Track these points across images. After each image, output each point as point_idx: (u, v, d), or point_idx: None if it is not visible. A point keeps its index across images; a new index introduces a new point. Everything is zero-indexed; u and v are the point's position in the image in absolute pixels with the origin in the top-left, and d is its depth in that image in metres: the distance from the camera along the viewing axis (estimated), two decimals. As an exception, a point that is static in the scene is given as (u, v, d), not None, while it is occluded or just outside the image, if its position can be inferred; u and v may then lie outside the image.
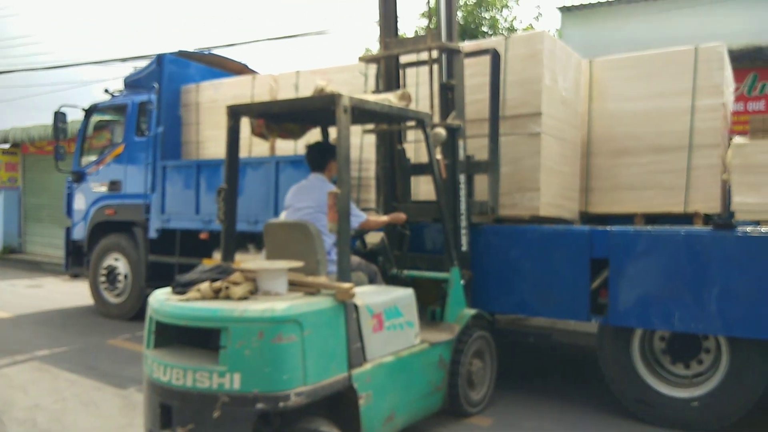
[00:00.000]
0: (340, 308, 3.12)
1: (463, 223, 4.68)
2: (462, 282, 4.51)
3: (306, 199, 3.95)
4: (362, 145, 6.06)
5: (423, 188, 5.43)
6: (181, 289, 3.17)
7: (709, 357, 4.43)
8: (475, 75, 5.08)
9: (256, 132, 4.01)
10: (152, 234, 7.23)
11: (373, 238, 4.58)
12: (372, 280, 4.04)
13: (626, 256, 4.41)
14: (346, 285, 3.12)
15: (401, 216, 4.51)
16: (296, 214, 3.94)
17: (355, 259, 4.07)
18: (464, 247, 4.69)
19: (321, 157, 4.09)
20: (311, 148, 4.17)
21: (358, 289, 3.31)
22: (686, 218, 5.21)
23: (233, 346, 2.74)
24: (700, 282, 4.14)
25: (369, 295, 3.50)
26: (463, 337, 4.25)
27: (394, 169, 5.04)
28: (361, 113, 3.41)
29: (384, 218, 4.38)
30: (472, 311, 4.43)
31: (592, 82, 5.75)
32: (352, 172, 6.18)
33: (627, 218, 5.48)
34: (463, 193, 4.67)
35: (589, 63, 5.75)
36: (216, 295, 3.03)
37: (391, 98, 3.76)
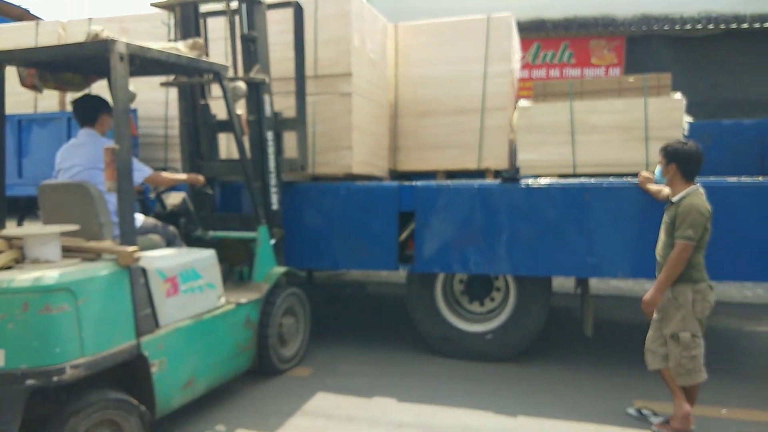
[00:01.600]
0: (123, 274, 2.93)
1: (273, 181, 4.64)
2: (273, 241, 4.49)
3: (76, 158, 3.58)
4: (168, 101, 5.70)
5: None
6: (-68, 260, 2.75)
7: (500, 295, 4.99)
8: (286, 32, 4.98)
9: (27, 83, 3.54)
10: None
11: (174, 199, 4.35)
12: (171, 243, 3.83)
13: (430, 208, 4.74)
14: (129, 249, 2.92)
15: (199, 178, 4.30)
16: (67, 175, 3.57)
17: (150, 221, 3.83)
18: (275, 206, 4.66)
19: (90, 111, 3.74)
20: (78, 101, 3.79)
21: (148, 253, 3.13)
22: (480, 174, 5.69)
23: (-5, 319, 2.45)
24: (491, 229, 4.61)
25: (161, 259, 3.32)
26: (272, 296, 4.25)
27: (197, 126, 4.80)
28: (144, 63, 3.16)
29: (180, 175, 4.13)
30: (281, 269, 4.44)
31: (398, 47, 5.95)
32: (158, 130, 5.84)
33: (431, 175, 5.84)
34: (271, 150, 4.60)
35: (395, 28, 5.94)
36: (-27, 265, 2.68)
37: (180, 47, 3.53)
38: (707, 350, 3.53)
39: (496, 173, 5.60)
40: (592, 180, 4.49)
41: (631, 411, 3.80)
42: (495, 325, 4.84)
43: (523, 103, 5.36)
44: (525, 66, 9.47)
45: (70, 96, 5.78)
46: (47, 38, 5.99)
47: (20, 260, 2.82)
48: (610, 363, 4.77)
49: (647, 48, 9.61)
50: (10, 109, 5.57)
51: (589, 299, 4.81)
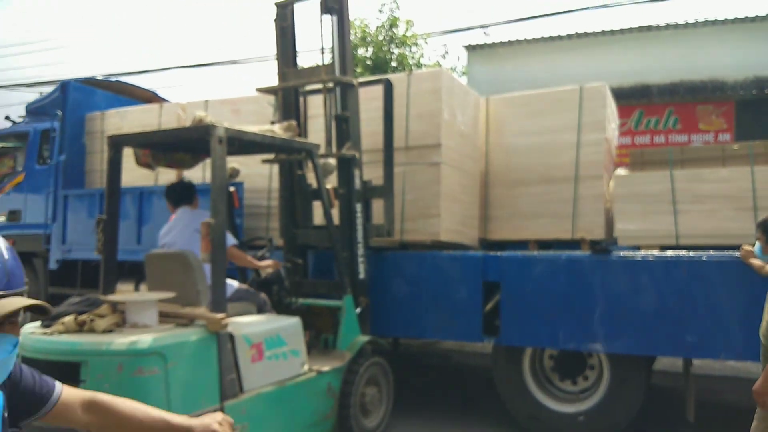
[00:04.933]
0: (212, 339, 3.12)
1: (360, 251, 4.77)
2: (358, 309, 4.58)
3: (177, 231, 4.01)
4: (271, 174, 6.10)
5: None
6: (48, 322, 3.11)
7: (594, 373, 4.70)
8: (381, 108, 5.25)
9: (141, 162, 3.99)
10: (53, 265, 6.97)
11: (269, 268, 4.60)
12: (261, 310, 4.03)
13: (515, 279, 4.65)
14: (218, 315, 3.12)
15: (272, 265, 4.44)
16: (169, 246, 3.99)
17: (243, 288, 4.08)
18: (361, 275, 4.77)
19: (187, 193, 4.31)
20: (171, 188, 4.37)
21: (236, 319, 3.31)
22: (575, 244, 5.52)
23: (93, 380, 2.71)
24: (582, 302, 4.42)
25: (248, 325, 3.50)
26: (354, 365, 4.29)
27: (294, 196, 5.10)
28: (243, 144, 3.47)
29: (253, 263, 4.30)
30: (365, 338, 4.49)
31: (489, 118, 6.05)
32: (262, 201, 6.26)
33: (523, 244, 5.75)
34: (359, 222, 4.77)
35: (486, 100, 6.06)
36: (80, 328, 2.99)
37: (275, 129, 3.84)
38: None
39: (592, 243, 5.42)
40: (691, 253, 4.23)
41: None
42: (588, 406, 4.56)
43: (620, 171, 5.22)
44: (626, 132, 9.22)
45: (186, 172, 6.42)
46: (169, 118, 6.70)
47: (121, 324, 3.10)
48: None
49: (759, 112, 9.02)
50: (133, 182, 6.33)
51: (692, 380, 4.43)
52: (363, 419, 4.36)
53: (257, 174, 6.09)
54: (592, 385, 4.68)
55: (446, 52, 21.68)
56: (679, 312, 4.15)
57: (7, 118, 7.79)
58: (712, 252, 4.19)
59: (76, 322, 2.98)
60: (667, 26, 10.23)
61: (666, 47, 9.64)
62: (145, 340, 2.84)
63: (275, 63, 5.08)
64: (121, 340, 2.83)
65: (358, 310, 4.60)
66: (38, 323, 3.23)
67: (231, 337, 3.27)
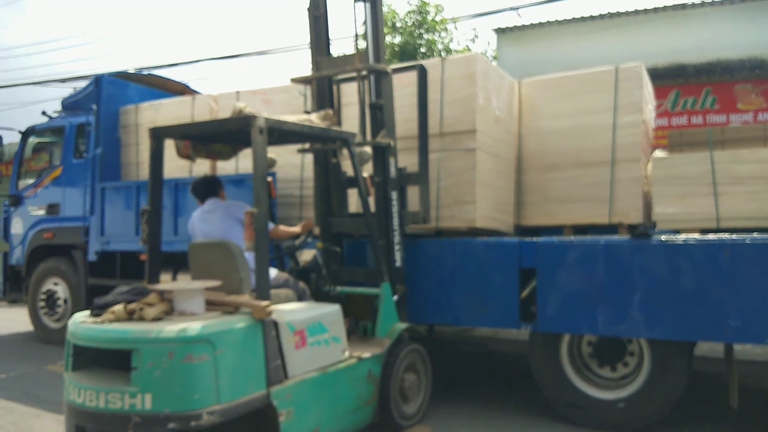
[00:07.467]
0: (257, 326, 3.16)
1: (396, 239, 4.77)
2: (395, 297, 4.59)
3: (214, 221, 4.11)
4: (303, 164, 6.14)
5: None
6: (97, 311, 3.19)
7: (634, 359, 4.63)
8: (414, 94, 5.22)
9: (182, 154, 4.04)
10: (92, 257, 7.12)
11: (306, 256, 4.64)
12: (301, 298, 4.08)
13: (552, 265, 4.59)
14: (263, 303, 3.15)
15: (309, 224, 4.77)
16: (209, 235, 4.07)
17: (283, 276, 4.13)
18: (398, 263, 4.77)
19: (214, 187, 4.46)
20: (197, 183, 4.52)
21: (279, 307, 3.35)
22: (612, 228, 5.44)
23: (144, 367, 2.77)
24: (621, 288, 4.34)
25: (291, 313, 3.53)
26: (393, 351, 4.31)
27: (329, 184, 5.12)
28: (281, 134, 3.49)
29: (294, 229, 4.63)
30: (403, 325, 4.50)
31: (522, 102, 5.96)
32: (294, 190, 6.30)
33: (558, 230, 5.68)
34: (395, 210, 4.77)
35: (518, 83, 5.98)
36: (130, 316, 3.06)
37: (312, 118, 3.85)
38: None
39: (630, 227, 5.33)
40: (733, 236, 4.13)
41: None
42: (628, 393, 4.50)
43: (658, 153, 5.11)
44: (663, 114, 9.03)
45: (220, 163, 6.49)
46: (202, 110, 6.77)
47: (169, 312, 3.17)
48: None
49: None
50: (168, 173, 6.40)
51: (734, 366, 4.34)
52: (403, 405, 4.38)
53: (289, 164, 6.13)
54: (633, 371, 4.62)
55: (476, 36, 21.30)
56: (722, 296, 4.05)
57: (43, 113, 7.97)
58: (755, 234, 4.09)
59: (125, 310, 3.06)
60: (702, 3, 9.98)
61: (701, 25, 9.39)
62: (194, 327, 2.89)
63: (303, 53, 5.12)
64: (170, 328, 2.89)
65: (396, 297, 4.61)
66: (88, 312, 3.32)
67: (275, 324, 3.31)
